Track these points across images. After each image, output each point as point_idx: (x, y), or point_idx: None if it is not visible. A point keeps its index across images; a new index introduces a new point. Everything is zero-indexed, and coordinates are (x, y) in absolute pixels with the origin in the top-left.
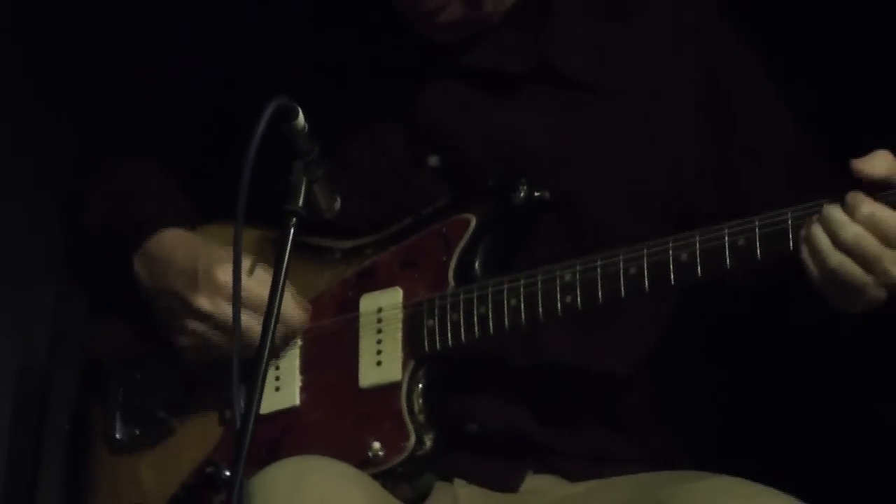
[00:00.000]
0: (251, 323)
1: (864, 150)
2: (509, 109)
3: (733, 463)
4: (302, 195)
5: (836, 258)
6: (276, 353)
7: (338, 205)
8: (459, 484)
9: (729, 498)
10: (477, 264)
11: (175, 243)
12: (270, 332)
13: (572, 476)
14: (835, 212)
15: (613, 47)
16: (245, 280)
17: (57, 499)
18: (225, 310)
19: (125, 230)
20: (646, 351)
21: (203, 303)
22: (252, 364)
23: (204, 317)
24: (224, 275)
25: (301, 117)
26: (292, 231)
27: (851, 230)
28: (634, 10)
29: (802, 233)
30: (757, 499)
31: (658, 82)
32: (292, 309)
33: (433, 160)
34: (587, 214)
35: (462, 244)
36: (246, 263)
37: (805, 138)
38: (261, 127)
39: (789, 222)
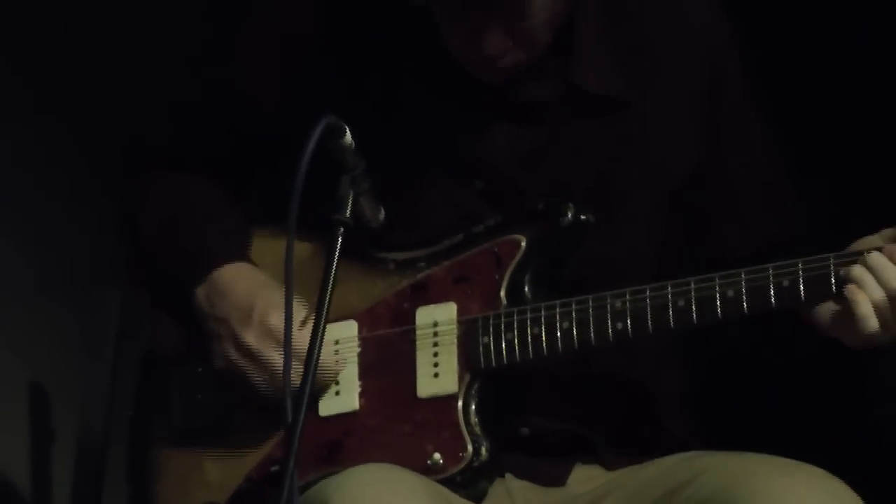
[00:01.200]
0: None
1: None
2: (544, 134)
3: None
4: (349, 206)
5: (881, 294)
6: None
7: (382, 215)
8: (510, 478)
9: (762, 465)
10: (527, 284)
11: (236, 277)
12: (318, 341)
13: (612, 465)
14: (880, 257)
15: (629, 58)
16: (296, 332)
17: (123, 486)
18: (268, 352)
19: (188, 259)
20: (674, 356)
21: (251, 340)
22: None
23: (247, 352)
24: (276, 321)
25: (348, 135)
26: (340, 239)
27: (893, 272)
28: (647, 21)
29: (843, 272)
30: (791, 468)
31: (667, 87)
32: (329, 359)
33: (479, 184)
34: (622, 217)
35: (514, 264)
36: (300, 314)
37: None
38: (311, 144)
39: (831, 267)
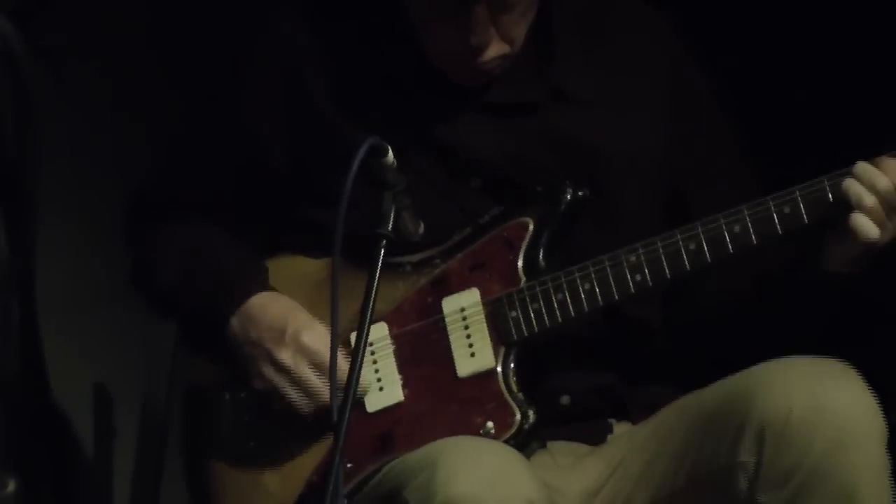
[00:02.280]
0: (323, 387)
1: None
2: (531, 130)
3: None
4: (391, 221)
5: (872, 199)
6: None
7: (421, 229)
8: (553, 445)
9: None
10: (541, 258)
11: (266, 304)
12: (364, 338)
13: (637, 420)
14: (867, 166)
15: (604, 65)
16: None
17: (182, 498)
18: (302, 368)
19: (215, 299)
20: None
21: (286, 357)
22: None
23: (282, 369)
24: (308, 339)
25: (390, 154)
26: (382, 251)
27: (885, 179)
28: (617, 31)
29: (836, 188)
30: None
31: (635, 89)
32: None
33: (475, 182)
34: (605, 202)
35: (525, 243)
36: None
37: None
38: (356, 163)
39: (826, 185)
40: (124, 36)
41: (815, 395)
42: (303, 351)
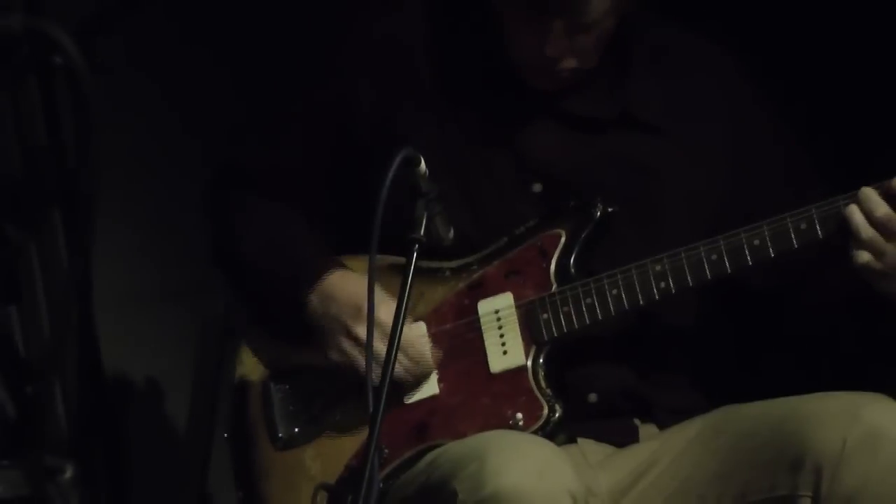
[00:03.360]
0: (399, 359)
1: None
2: (598, 146)
3: None
4: (423, 226)
5: (870, 232)
6: (414, 386)
7: (452, 234)
8: (584, 442)
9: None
10: (572, 267)
11: (342, 281)
12: (397, 339)
13: (663, 424)
14: (870, 192)
15: (673, 98)
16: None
17: (227, 483)
18: (378, 342)
19: (295, 274)
20: (697, 324)
21: (362, 332)
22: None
23: (359, 342)
24: (384, 314)
25: (423, 164)
26: (415, 254)
27: (883, 209)
28: (687, 71)
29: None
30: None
31: (700, 127)
32: (429, 353)
33: (537, 187)
34: (654, 222)
35: (558, 252)
36: (420, 328)
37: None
38: (391, 172)
39: (840, 204)
40: (176, 41)
41: (865, 424)
42: (379, 326)
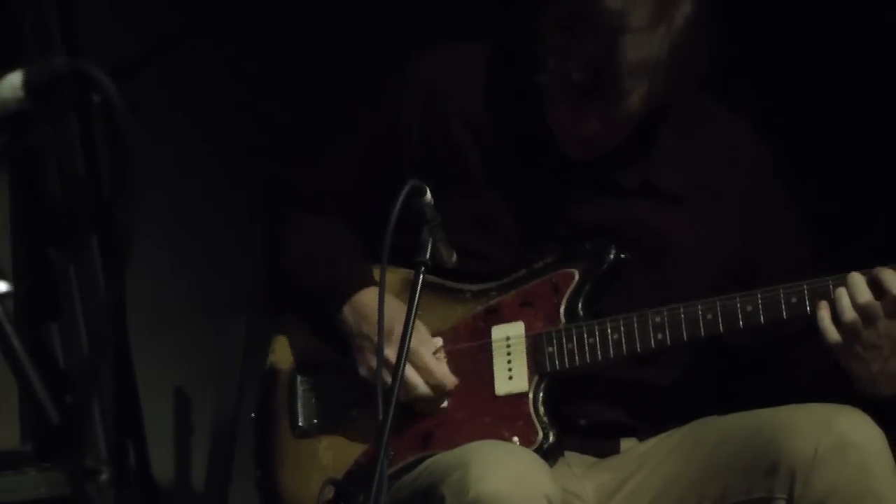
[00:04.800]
0: (413, 380)
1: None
2: (620, 208)
3: None
4: (428, 250)
5: (852, 315)
6: (433, 403)
7: (454, 258)
8: (569, 454)
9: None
10: (581, 306)
11: (374, 300)
12: (405, 353)
13: (642, 438)
14: (858, 278)
15: (695, 169)
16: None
17: (250, 470)
18: (410, 361)
19: (331, 287)
20: (685, 373)
21: (390, 353)
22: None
23: (387, 363)
24: (413, 340)
25: (428, 194)
26: (422, 275)
27: (867, 296)
28: (709, 137)
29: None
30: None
31: (717, 199)
32: (445, 371)
33: (560, 231)
34: (662, 279)
35: (569, 291)
36: (437, 342)
37: (808, 248)
38: (399, 200)
39: (829, 285)
40: (208, 72)
41: (835, 433)
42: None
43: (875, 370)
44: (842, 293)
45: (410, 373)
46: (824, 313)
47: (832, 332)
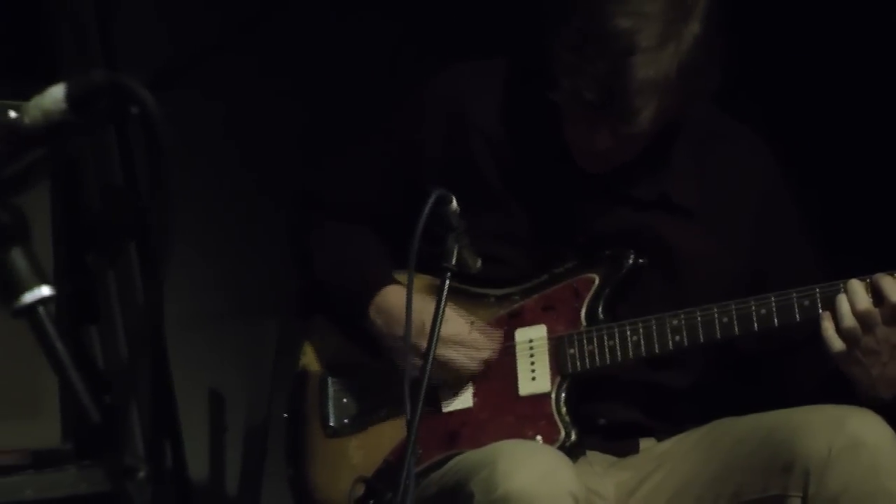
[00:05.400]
0: (462, 359)
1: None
2: (637, 219)
3: None
4: (454, 256)
5: (851, 321)
6: (477, 373)
7: (479, 263)
8: (590, 453)
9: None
10: (601, 309)
11: (400, 297)
12: (432, 349)
13: (661, 438)
14: (857, 285)
15: (709, 183)
16: (467, 332)
17: (282, 468)
18: (448, 352)
19: (356, 288)
20: (700, 377)
21: (423, 346)
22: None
23: (422, 356)
24: (444, 328)
25: (454, 202)
26: (447, 280)
27: (865, 304)
28: (724, 153)
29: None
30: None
31: (731, 213)
32: (486, 340)
33: (581, 239)
34: (677, 286)
35: (590, 295)
36: (468, 324)
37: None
38: (426, 209)
39: (840, 288)
40: (242, 80)
41: (848, 433)
42: (445, 339)
43: (875, 374)
44: (841, 300)
45: (455, 353)
46: (828, 324)
47: (835, 342)
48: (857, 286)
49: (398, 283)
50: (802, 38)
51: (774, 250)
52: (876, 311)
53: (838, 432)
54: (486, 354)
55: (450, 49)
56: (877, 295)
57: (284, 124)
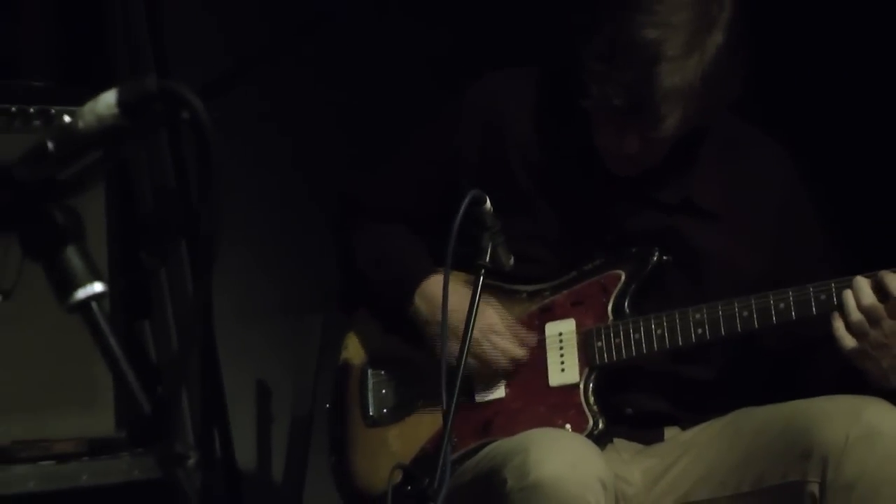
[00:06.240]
0: (496, 352)
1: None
2: (662, 221)
3: None
4: (488, 254)
5: (858, 316)
6: (505, 371)
7: (512, 261)
8: (617, 441)
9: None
10: (627, 304)
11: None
12: (467, 343)
13: (685, 427)
14: (862, 281)
15: (733, 187)
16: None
17: (325, 457)
18: (491, 339)
19: (399, 283)
20: (721, 370)
21: (475, 335)
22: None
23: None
24: (487, 317)
25: (488, 203)
26: (482, 277)
27: (870, 299)
28: (749, 164)
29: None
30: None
31: (753, 216)
32: (516, 346)
33: (609, 238)
34: (699, 283)
35: (616, 291)
36: (506, 322)
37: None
38: (462, 208)
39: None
40: (292, 85)
41: (865, 422)
42: (483, 329)
43: (885, 366)
44: (847, 295)
45: (490, 344)
46: (838, 323)
47: (845, 338)
48: (862, 282)
49: (440, 273)
50: (819, 43)
51: (794, 255)
52: (881, 306)
53: (855, 421)
54: (518, 353)
55: (489, 58)
56: (882, 291)
57: (333, 129)
